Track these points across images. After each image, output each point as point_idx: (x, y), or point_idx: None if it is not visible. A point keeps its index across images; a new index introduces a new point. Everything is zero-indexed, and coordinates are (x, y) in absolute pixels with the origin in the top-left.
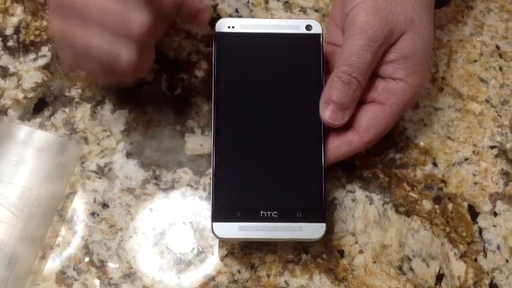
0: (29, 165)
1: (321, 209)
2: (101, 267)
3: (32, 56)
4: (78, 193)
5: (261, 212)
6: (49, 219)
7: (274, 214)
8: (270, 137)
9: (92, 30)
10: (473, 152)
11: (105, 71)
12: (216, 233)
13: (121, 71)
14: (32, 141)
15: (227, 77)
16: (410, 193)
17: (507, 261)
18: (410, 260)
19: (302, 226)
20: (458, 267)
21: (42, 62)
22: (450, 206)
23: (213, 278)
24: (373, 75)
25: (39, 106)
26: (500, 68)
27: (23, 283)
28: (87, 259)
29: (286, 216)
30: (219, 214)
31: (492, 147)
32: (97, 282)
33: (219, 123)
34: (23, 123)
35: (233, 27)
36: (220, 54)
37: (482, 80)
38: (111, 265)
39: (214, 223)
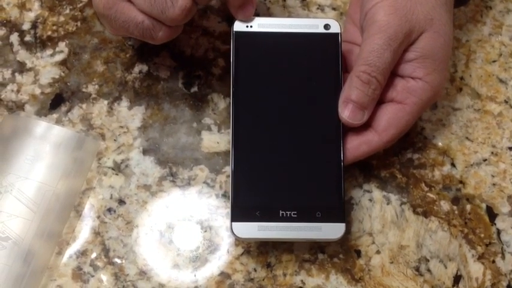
0: (46, 160)
1: (340, 209)
2: (117, 263)
3: (49, 51)
4: (94, 189)
5: (281, 212)
6: (66, 215)
7: (293, 214)
8: (288, 137)
9: (134, 9)
10: (492, 153)
11: (151, 22)
12: (235, 233)
13: (164, 24)
14: (50, 136)
15: (245, 76)
16: (428, 194)
17: None
18: (427, 261)
19: (321, 226)
20: (476, 269)
21: (59, 57)
22: (468, 207)
23: (229, 276)
24: (392, 74)
25: (56, 102)
26: None
27: (40, 278)
28: (103, 255)
29: (306, 216)
30: (239, 214)
31: (511, 148)
32: (113, 278)
33: (237, 124)
34: (41, 119)
35: (251, 26)
36: (238, 54)
37: (501, 81)
38: (127, 262)
39: (233, 223)
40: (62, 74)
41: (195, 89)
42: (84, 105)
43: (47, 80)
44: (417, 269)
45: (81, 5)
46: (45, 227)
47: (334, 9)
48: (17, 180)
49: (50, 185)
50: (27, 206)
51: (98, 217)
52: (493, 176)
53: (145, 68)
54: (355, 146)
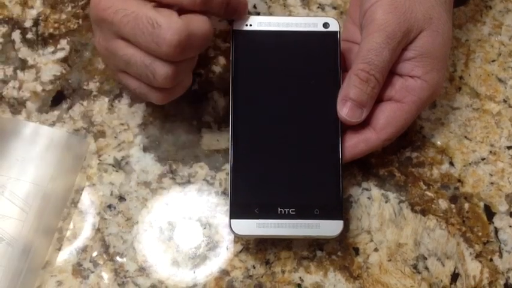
0: (36, 161)
1: (338, 207)
2: (116, 260)
3: (50, 48)
4: (95, 186)
5: (279, 209)
6: (58, 214)
7: (291, 211)
8: (287, 135)
9: (131, 47)
10: (490, 152)
11: (145, 89)
12: (234, 230)
13: (158, 88)
14: (38, 137)
15: (245, 75)
16: (427, 192)
17: None
18: (425, 259)
19: (319, 223)
20: (473, 267)
21: (60, 54)
22: (466, 205)
23: (227, 273)
24: (390, 72)
25: (57, 99)
26: None
27: (34, 281)
28: (103, 252)
29: (304, 213)
30: (237, 211)
31: (509, 148)
32: (113, 275)
33: (236, 122)
34: (28, 120)
35: (251, 25)
36: (238, 52)
37: (500, 80)
38: (127, 258)
39: (232, 220)
40: (63, 71)
41: (195, 86)
42: (85, 103)
43: (48, 77)
44: (415, 267)
45: (82, 2)
46: (38, 227)
47: (334, 8)
48: (8, 181)
49: (41, 185)
50: (19, 207)
51: (98, 213)
52: (491, 175)
53: None
54: (354, 144)
